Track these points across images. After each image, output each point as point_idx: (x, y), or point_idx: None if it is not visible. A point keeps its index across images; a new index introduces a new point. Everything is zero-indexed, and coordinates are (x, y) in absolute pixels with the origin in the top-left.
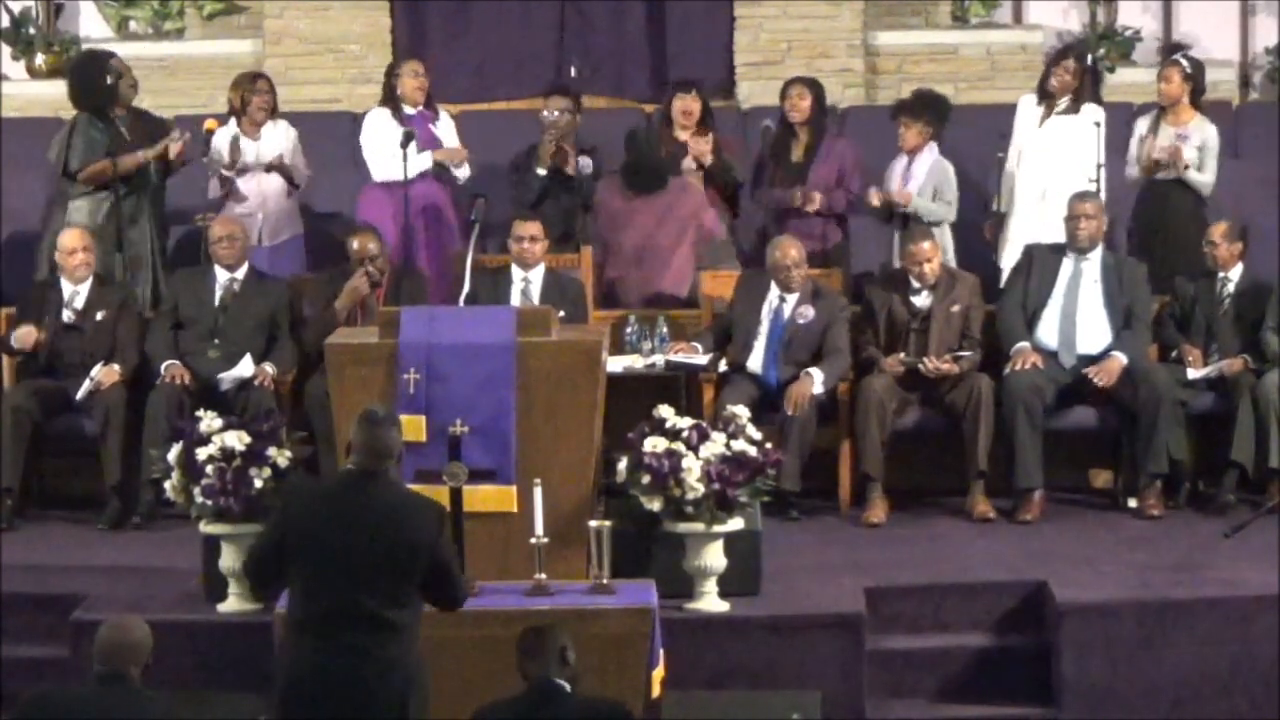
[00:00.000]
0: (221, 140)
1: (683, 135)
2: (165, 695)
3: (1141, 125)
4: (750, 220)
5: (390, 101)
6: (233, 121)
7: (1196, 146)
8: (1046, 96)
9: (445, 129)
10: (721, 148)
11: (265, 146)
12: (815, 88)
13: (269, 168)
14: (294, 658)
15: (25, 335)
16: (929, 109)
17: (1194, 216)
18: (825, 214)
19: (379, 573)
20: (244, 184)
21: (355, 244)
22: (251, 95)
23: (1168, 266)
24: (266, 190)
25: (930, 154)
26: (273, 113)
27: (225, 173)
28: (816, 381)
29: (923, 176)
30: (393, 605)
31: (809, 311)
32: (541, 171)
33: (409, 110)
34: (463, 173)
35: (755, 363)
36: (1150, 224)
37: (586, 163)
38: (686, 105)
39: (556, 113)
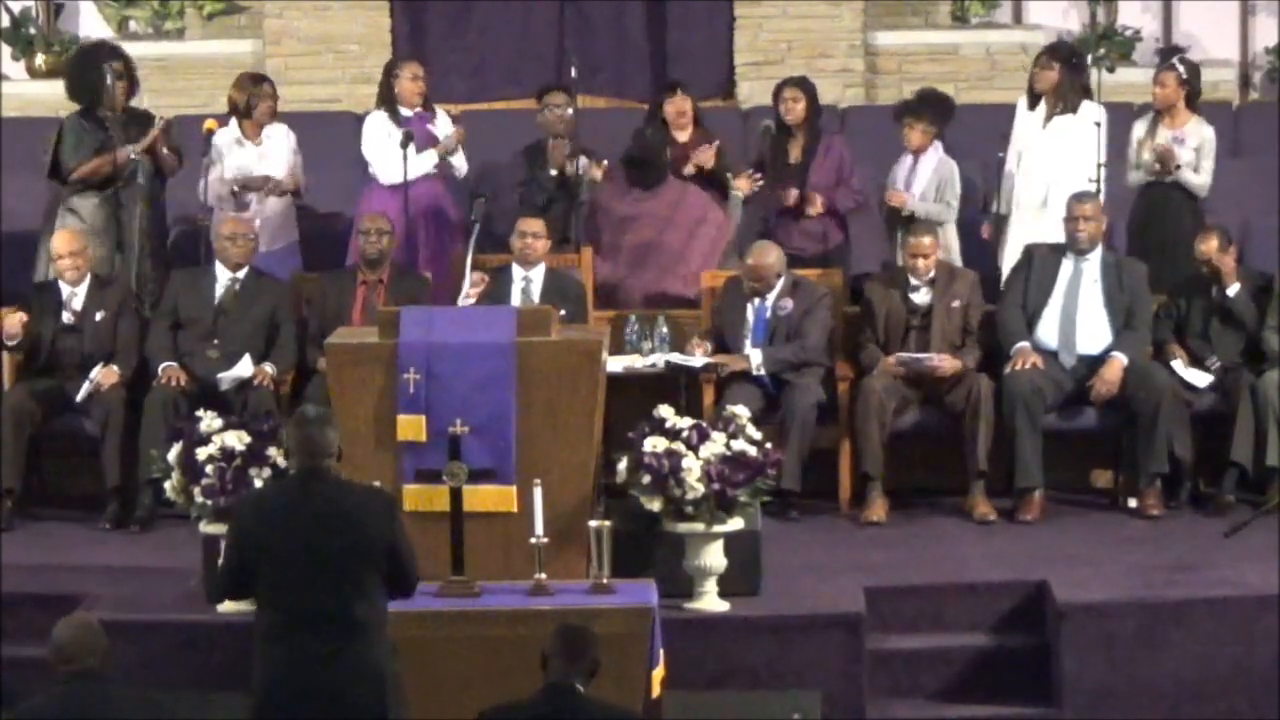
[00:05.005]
0: (224, 147)
1: (681, 136)
2: (137, 688)
3: (1139, 129)
4: (753, 221)
5: (387, 103)
6: (234, 123)
7: (1194, 148)
8: (1035, 98)
9: (444, 128)
10: (723, 152)
11: (269, 151)
12: (808, 88)
13: (282, 191)
14: (267, 667)
15: (13, 322)
16: (932, 108)
17: (1190, 219)
18: (829, 214)
19: (341, 571)
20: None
21: (366, 221)
22: (258, 99)
23: (1164, 269)
24: (266, 198)
25: (935, 154)
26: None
27: (236, 190)
28: (753, 362)
29: (927, 177)
30: (359, 602)
31: (788, 304)
32: (553, 172)
33: (406, 112)
34: (459, 164)
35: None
36: (1147, 226)
37: (585, 163)
38: (678, 106)
39: (569, 110)
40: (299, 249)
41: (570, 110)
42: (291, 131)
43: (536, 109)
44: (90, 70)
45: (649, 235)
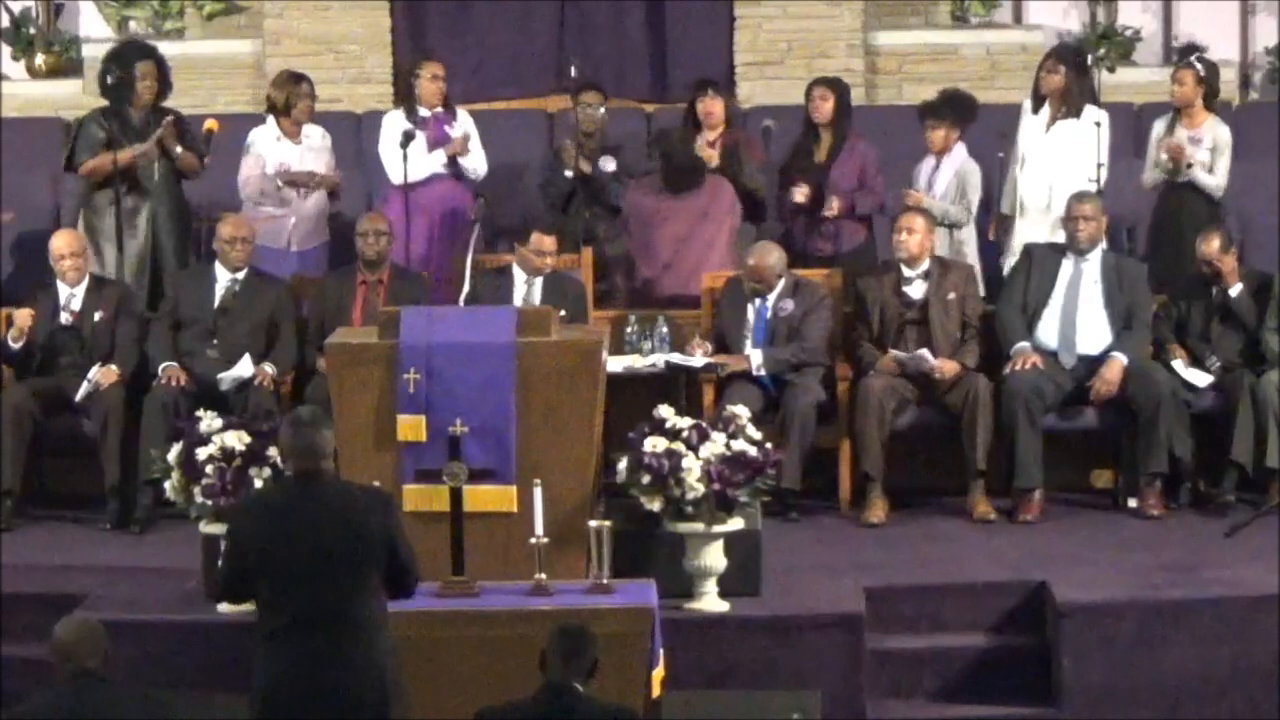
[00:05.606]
0: (264, 144)
1: (710, 136)
2: (137, 688)
3: (1158, 128)
4: (775, 222)
5: (406, 102)
6: (271, 121)
7: (1209, 148)
8: (1040, 100)
9: (464, 129)
10: (739, 148)
11: (308, 150)
12: (838, 88)
13: (330, 186)
14: (268, 667)
15: (23, 316)
16: (954, 109)
17: (1208, 220)
18: (849, 216)
19: (341, 571)
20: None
21: (365, 223)
22: (297, 98)
23: (1181, 269)
24: (307, 196)
25: (958, 155)
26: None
27: (281, 185)
28: (753, 363)
29: (949, 178)
30: (359, 602)
31: (788, 304)
32: (569, 174)
33: (424, 112)
34: (474, 165)
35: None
36: (1165, 227)
37: (609, 161)
38: (707, 106)
39: (600, 109)
40: (329, 250)
41: (603, 109)
42: (328, 133)
43: (556, 107)
44: (115, 67)
45: (683, 231)
